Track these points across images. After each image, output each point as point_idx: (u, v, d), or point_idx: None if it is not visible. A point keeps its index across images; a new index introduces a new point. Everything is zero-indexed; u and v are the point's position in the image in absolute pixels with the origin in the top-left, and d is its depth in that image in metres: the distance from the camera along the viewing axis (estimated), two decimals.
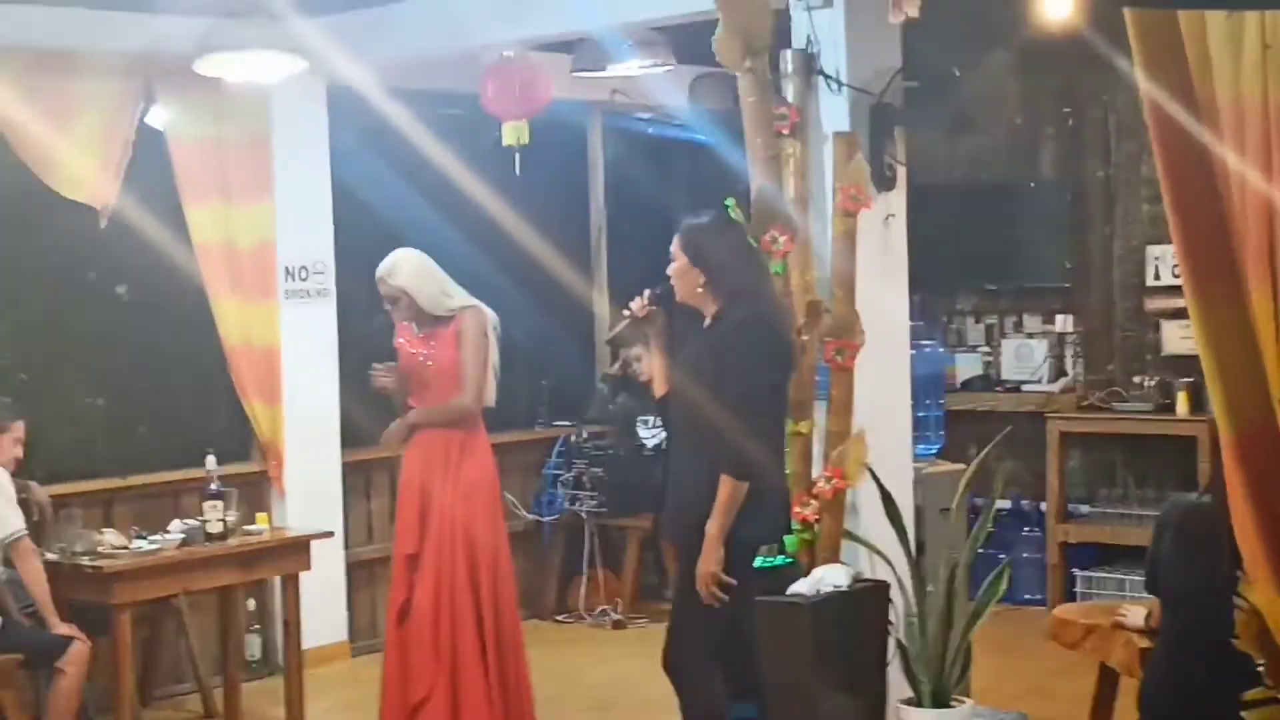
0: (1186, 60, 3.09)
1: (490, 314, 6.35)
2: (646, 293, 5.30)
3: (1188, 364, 8.29)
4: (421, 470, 6.26)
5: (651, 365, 5.37)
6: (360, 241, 7.87)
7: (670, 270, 5.28)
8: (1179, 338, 8.61)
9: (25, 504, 6.35)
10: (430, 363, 6.27)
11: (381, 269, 6.27)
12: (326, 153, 8.14)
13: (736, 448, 5.00)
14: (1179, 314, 8.36)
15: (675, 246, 5.28)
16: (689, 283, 5.23)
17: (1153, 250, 8.89)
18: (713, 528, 5.01)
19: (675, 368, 5.28)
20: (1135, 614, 5.17)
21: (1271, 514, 3.23)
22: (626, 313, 5.35)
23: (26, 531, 6.12)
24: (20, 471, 6.43)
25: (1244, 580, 3.51)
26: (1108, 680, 5.51)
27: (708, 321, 5.24)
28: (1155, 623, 4.82)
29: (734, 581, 5.04)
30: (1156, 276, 8.87)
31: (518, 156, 7.79)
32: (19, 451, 6.32)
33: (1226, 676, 3.74)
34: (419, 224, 7.77)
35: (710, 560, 5.02)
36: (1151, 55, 3.10)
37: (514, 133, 7.70)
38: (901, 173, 6.52)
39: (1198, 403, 8.32)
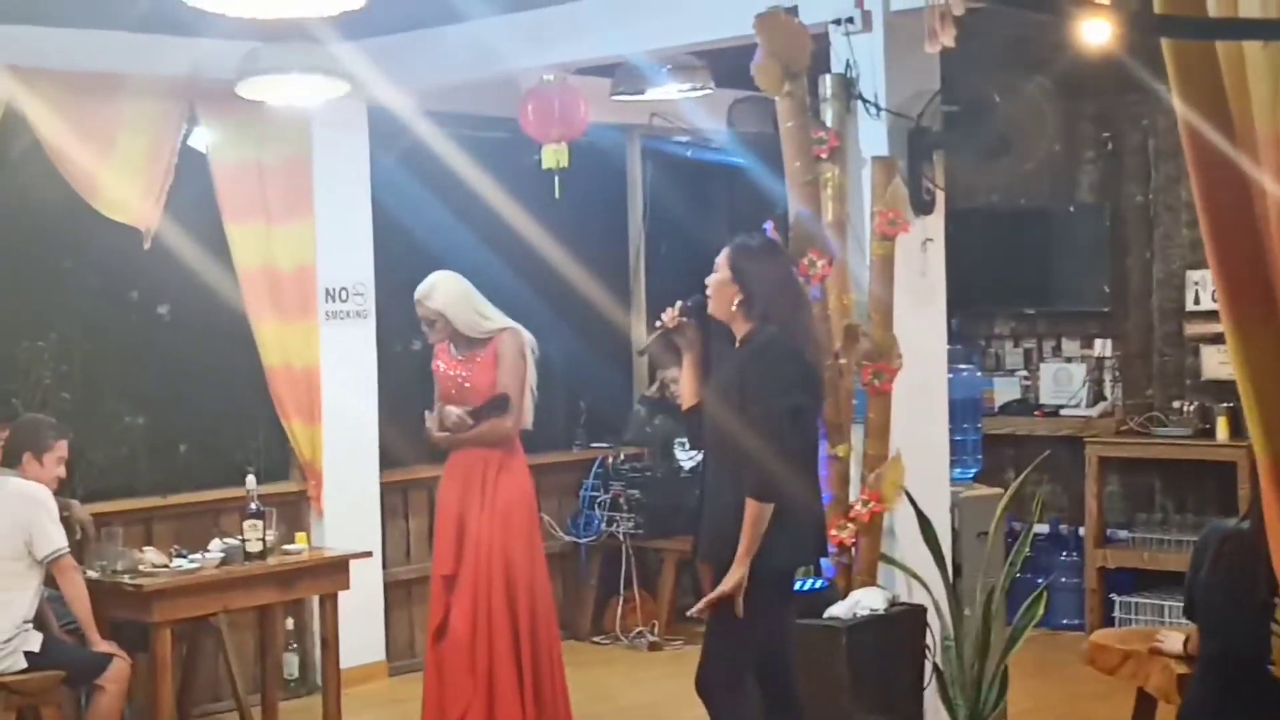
0: (1224, 88, 3.09)
1: (528, 336, 6.38)
2: (678, 304, 5.32)
3: (1227, 389, 8.26)
4: (459, 491, 6.29)
5: (685, 379, 5.38)
6: (400, 263, 7.92)
7: (709, 280, 5.28)
8: (1218, 363, 8.59)
9: (67, 522, 6.40)
10: (468, 384, 6.30)
11: (419, 291, 6.31)
12: (367, 175, 8.20)
13: (759, 470, 5.01)
14: (1218, 339, 8.34)
15: (720, 259, 5.28)
16: (725, 297, 5.23)
17: (1192, 275, 8.87)
18: (740, 549, 5.03)
19: (708, 388, 5.30)
20: (1173, 640, 5.16)
21: None
22: (658, 324, 5.37)
23: (69, 549, 6.16)
24: (62, 490, 6.49)
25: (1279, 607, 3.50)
26: (1145, 706, 5.49)
27: (738, 344, 5.26)
28: (1193, 649, 4.81)
29: (739, 613, 5.05)
30: (1196, 301, 8.85)
31: (557, 180, 7.83)
32: (61, 471, 6.38)
33: (1263, 703, 3.72)
34: (458, 246, 7.81)
35: (730, 579, 5.03)
36: (1188, 82, 3.10)
37: (553, 156, 7.75)
38: (940, 197, 6.52)
39: (1237, 428, 8.29)
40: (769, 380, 5.08)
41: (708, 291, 5.28)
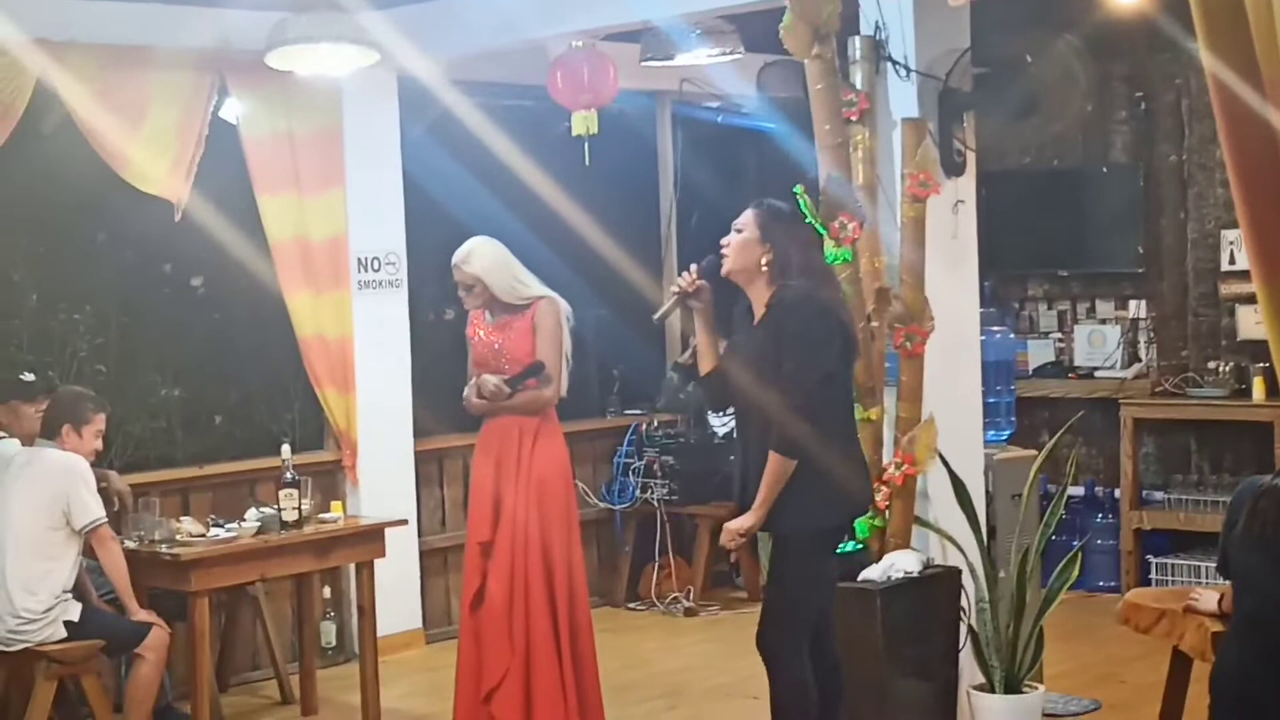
0: (1251, 40, 3.08)
1: (564, 304, 6.34)
2: (693, 266, 5.28)
3: (1264, 349, 8.13)
4: (494, 461, 6.27)
5: (701, 344, 5.31)
6: (431, 232, 7.93)
7: (731, 240, 5.22)
8: (1254, 323, 8.54)
9: (105, 493, 6.45)
10: (504, 352, 6.28)
11: (457, 256, 6.29)
12: (397, 144, 8.20)
13: (787, 426, 4.99)
14: (1254, 299, 8.26)
15: (748, 219, 5.22)
16: (751, 257, 5.17)
17: (1227, 234, 8.82)
18: (758, 499, 5.05)
19: (729, 360, 5.27)
20: (1207, 598, 5.14)
21: None
22: (675, 288, 5.31)
23: (106, 519, 6.20)
24: (100, 461, 6.53)
25: None
26: (1180, 665, 5.49)
27: (760, 312, 5.19)
28: (1227, 606, 4.80)
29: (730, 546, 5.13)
30: (1231, 261, 8.80)
31: (587, 147, 7.82)
32: (99, 444, 6.41)
33: None
34: (489, 215, 7.80)
35: (744, 522, 5.08)
36: (1216, 34, 3.09)
37: (583, 123, 7.73)
38: (971, 158, 6.50)
39: (1274, 388, 8.26)
40: (806, 337, 5.04)
41: (724, 252, 5.24)
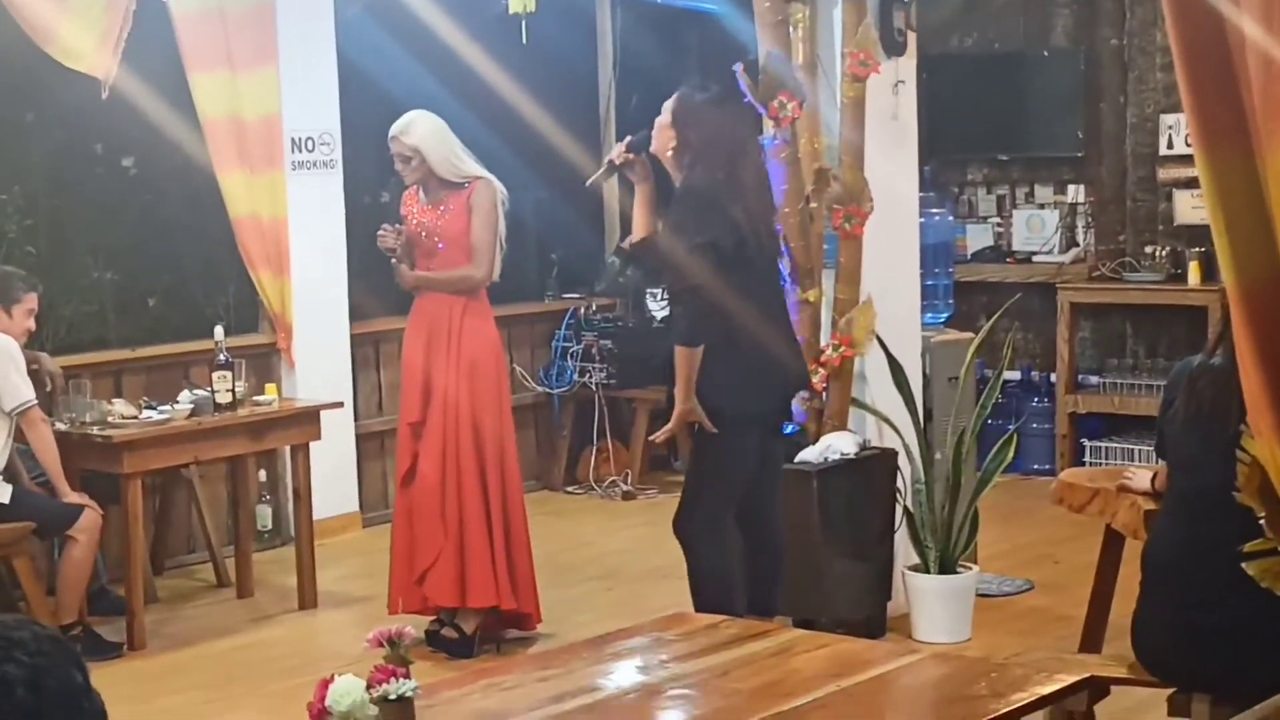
0: None
1: (500, 187, 6.28)
2: (626, 139, 5.43)
3: (1200, 233, 8.25)
4: (424, 341, 6.22)
5: (635, 213, 5.47)
6: (367, 113, 7.81)
7: (656, 121, 5.38)
8: (1191, 207, 8.57)
9: (36, 375, 6.37)
10: (438, 233, 6.22)
11: (395, 127, 6.19)
12: (331, 22, 8.05)
13: (683, 314, 5.23)
14: (1191, 183, 8.31)
15: (667, 104, 5.40)
16: (664, 140, 5.35)
17: (1166, 119, 8.82)
18: (676, 391, 5.17)
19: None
20: (1141, 477, 5.16)
21: (1277, 367, 3.22)
22: (607, 160, 5.50)
23: (37, 401, 6.13)
24: (32, 344, 6.45)
25: (1246, 434, 3.50)
26: (1113, 543, 5.51)
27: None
28: (1160, 485, 4.82)
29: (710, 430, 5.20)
30: (1170, 145, 8.82)
31: (524, 25, 7.71)
32: (31, 324, 6.32)
33: (1230, 532, 3.73)
34: (426, 95, 7.65)
35: (673, 422, 5.22)
36: None
37: (520, 0, 7.61)
38: (912, 38, 6.45)
39: (1209, 272, 8.29)
40: (683, 225, 5.18)
41: (654, 131, 5.39)
